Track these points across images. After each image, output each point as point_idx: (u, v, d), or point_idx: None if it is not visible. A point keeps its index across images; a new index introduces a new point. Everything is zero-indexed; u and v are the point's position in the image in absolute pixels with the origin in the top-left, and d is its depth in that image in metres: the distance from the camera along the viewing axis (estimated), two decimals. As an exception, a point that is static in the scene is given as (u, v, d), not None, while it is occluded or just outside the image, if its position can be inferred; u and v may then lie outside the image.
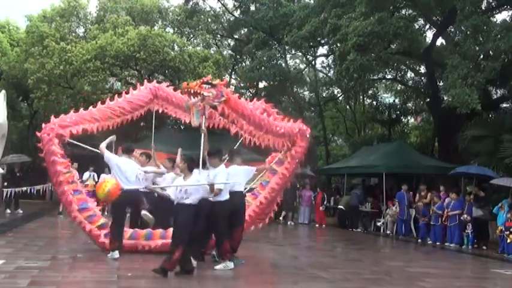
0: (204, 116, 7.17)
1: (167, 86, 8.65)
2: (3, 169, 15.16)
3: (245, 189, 7.97)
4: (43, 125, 7.62)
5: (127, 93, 8.27)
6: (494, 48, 12.97)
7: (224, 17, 24.56)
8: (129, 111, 7.94)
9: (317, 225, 17.15)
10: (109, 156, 7.62)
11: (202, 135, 7.19)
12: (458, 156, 16.54)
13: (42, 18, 21.34)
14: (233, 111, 7.21)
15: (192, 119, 7.27)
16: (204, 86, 6.73)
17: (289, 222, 17.05)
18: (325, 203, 17.54)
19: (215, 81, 6.95)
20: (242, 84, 24.34)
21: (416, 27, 18.54)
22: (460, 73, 12.85)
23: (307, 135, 8.26)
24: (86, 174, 14.96)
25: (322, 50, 23.99)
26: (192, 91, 6.85)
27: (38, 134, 7.63)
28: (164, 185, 7.57)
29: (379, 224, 15.79)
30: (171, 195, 6.38)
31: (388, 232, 15.17)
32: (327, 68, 25.77)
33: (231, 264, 6.95)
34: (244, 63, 24.27)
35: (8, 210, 14.43)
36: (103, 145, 7.62)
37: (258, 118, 7.53)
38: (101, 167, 15.84)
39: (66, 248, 8.41)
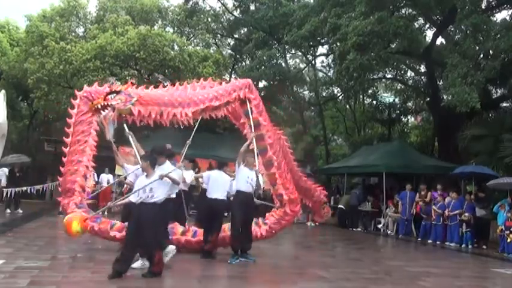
0: (114, 123, 6.83)
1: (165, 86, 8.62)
2: (9, 170, 15.18)
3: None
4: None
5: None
6: (494, 47, 12.98)
7: (224, 17, 24.57)
8: (88, 130, 7.50)
9: (316, 224, 17.10)
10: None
11: (130, 137, 7.23)
12: (458, 156, 16.54)
13: (42, 18, 21.35)
14: (153, 105, 6.66)
15: (106, 133, 6.87)
16: (110, 96, 6.38)
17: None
18: None
19: (118, 88, 6.54)
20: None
21: (416, 26, 18.54)
22: (460, 72, 12.85)
23: (251, 85, 8.27)
24: (86, 174, 14.95)
25: (322, 50, 24.06)
26: (99, 106, 6.49)
27: (62, 216, 7.77)
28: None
29: (379, 226, 15.79)
30: (132, 198, 6.20)
31: (388, 232, 15.18)
32: (327, 68, 25.82)
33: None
34: (244, 63, 24.29)
35: (8, 210, 14.42)
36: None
37: (183, 96, 7.07)
38: (100, 166, 15.86)
39: (66, 247, 8.40)
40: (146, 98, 6.56)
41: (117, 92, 6.31)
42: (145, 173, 6.26)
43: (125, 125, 7.31)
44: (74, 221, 6.05)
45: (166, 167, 6.88)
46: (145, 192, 6.05)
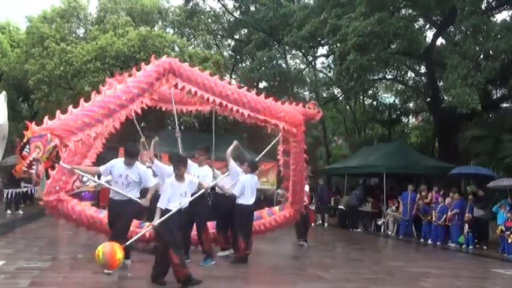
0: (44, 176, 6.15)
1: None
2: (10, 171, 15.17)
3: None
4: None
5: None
6: (494, 48, 12.98)
7: (224, 18, 24.62)
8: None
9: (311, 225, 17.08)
10: (233, 165, 7.94)
11: (76, 170, 7.02)
12: (459, 156, 16.54)
13: (42, 19, 21.37)
14: (67, 136, 5.56)
15: (40, 190, 6.32)
16: (25, 152, 5.40)
17: None
18: (313, 201, 17.44)
19: (24, 138, 5.49)
20: (242, 85, 24.39)
21: (416, 27, 18.55)
22: (460, 73, 12.85)
23: (174, 65, 7.06)
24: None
25: (322, 50, 24.08)
26: (25, 169, 5.50)
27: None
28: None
29: (379, 222, 15.78)
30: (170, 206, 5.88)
31: (388, 232, 15.18)
32: (327, 68, 25.82)
33: None
34: (244, 64, 24.32)
35: (9, 211, 14.43)
36: (229, 151, 8.02)
37: (95, 111, 5.93)
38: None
39: (66, 248, 8.42)
40: (58, 131, 5.49)
41: (28, 142, 5.37)
42: (175, 178, 5.98)
43: (61, 163, 6.98)
44: (118, 250, 5.49)
45: (141, 167, 6.78)
46: (182, 198, 5.96)
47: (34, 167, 5.39)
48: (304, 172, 9.21)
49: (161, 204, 5.86)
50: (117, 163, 6.57)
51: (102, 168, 6.60)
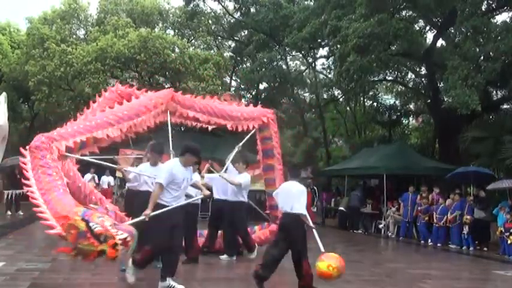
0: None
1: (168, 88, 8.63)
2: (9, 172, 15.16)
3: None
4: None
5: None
6: (495, 50, 12.98)
7: (225, 19, 24.65)
8: None
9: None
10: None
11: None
12: (459, 158, 16.53)
13: (42, 20, 21.43)
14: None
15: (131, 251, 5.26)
16: (97, 229, 4.70)
17: None
18: (315, 203, 17.44)
19: (78, 225, 4.79)
20: (243, 86, 24.45)
21: (417, 28, 18.57)
22: (460, 74, 12.85)
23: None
24: (87, 176, 15.00)
25: (322, 52, 24.11)
26: (119, 237, 4.75)
27: None
28: None
29: (380, 226, 15.78)
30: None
31: (389, 233, 15.17)
32: (327, 70, 25.85)
33: None
34: (244, 65, 24.33)
35: (9, 212, 14.44)
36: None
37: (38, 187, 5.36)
38: (101, 169, 15.92)
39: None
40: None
41: (87, 222, 4.71)
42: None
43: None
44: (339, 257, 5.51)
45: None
46: None
47: (119, 233, 4.72)
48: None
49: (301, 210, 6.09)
50: (175, 166, 5.72)
51: (164, 181, 5.59)
